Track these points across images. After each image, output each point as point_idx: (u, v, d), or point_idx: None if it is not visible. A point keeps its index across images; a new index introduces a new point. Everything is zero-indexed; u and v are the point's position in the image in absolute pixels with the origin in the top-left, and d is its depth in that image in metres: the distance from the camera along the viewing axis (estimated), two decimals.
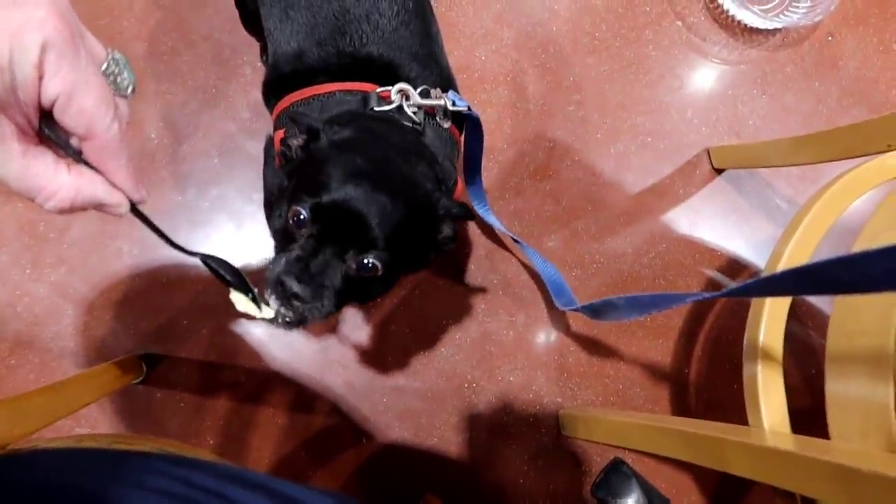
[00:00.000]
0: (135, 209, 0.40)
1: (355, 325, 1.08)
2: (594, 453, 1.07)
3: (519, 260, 1.13)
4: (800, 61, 1.26)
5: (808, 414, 1.02)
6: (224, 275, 0.49)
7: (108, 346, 1.04)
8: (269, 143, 0.83)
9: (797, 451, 0.56)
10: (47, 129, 0.35)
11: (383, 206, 0.58)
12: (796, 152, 1.01)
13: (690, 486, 1.07)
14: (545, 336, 1.11)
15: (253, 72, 1.16)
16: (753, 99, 1.24)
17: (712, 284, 1.15)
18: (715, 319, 1.14)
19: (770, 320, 0.76)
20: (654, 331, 1.12)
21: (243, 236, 1.10)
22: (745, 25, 1.25)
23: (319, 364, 1.06)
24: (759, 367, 0.74)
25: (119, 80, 0.38)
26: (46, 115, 0.34)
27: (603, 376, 1.10)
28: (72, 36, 0.32)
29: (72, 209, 0.36)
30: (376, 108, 0.70)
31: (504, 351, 1.09)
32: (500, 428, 1.06)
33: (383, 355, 1.07)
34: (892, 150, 0.81)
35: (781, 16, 1.24)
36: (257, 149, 1.07)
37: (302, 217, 0.58)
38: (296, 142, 0.65)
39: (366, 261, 0.58)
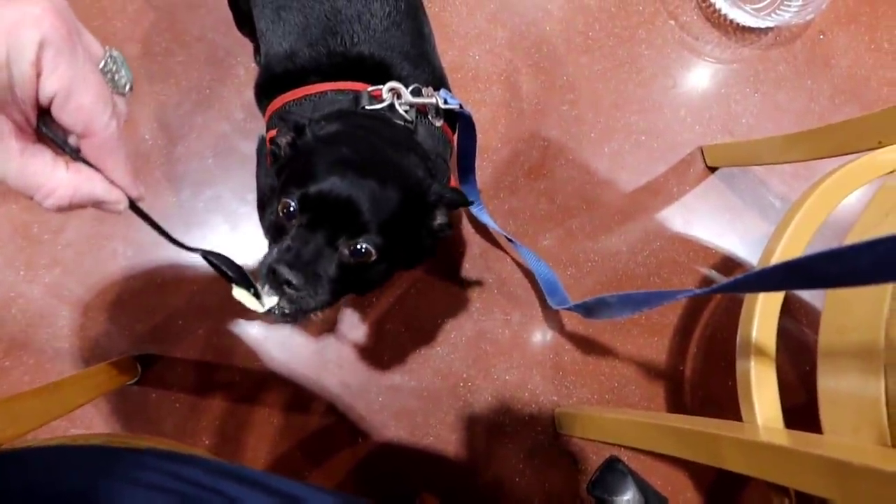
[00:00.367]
0: (133, 206, 0.40)
1: (351, 325, 1.08)
2: (590, 451, 1.07)
3: (513, 259, 1.13)
4: (792, 60, 1.27)
5: (801, 409, 1.03)
6: (226, 270, 0.49)
7: (103, 347, 1.03)
8: (262, 143, 0.83)
9: (790, 445, 0.57)
10: (45, 127, 0.35)
11: (372, 191, 0.58)
12: (789, 150, 1.02)
13: (686, 484, 1.07)
14: (540, 334, 1.11)
15: (247, 73, 1.16)
16: (746, 97, 1.24)
17: (707, 282, 1.16)
18: (709, 317, 1.15)
19: (763, 317, 0.76)
20: (648, 328, 1.13)
21: (238, 237, 1.10)
22: (738, 24, 1.25)
23: (315, 364, 1.06)
24: (753, 364, 0.74)
25: (117, 77, 0.38)
26: (44, 113, 0.34)
27: (598, 374, 1.10)
28: (69, 33, 0.32)
29: (70, 207, 0.36)
30: (368, 107, 0.71)
31: (499, 349, 1.09)
32: (496, 426, 1.06)
33: (379, 354, 1.07)
34: (882, 147, 0.82)
35: (773, 14, 1.25)
36: (251, 149, 1.07)
37: (291, 208, 0.58)
38: (284, 140, 0.65)
39: (358, 245, 0.59)
